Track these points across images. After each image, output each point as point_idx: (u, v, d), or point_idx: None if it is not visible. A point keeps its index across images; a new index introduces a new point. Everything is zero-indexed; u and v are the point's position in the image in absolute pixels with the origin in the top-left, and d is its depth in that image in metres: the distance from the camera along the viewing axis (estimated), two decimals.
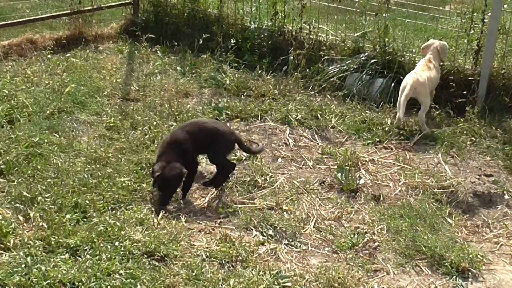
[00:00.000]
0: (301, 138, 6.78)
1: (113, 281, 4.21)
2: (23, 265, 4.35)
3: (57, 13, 9.78)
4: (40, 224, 4.81)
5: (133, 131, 6.55)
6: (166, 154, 5.49)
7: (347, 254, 4.92)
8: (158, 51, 8.85)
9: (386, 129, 6.91)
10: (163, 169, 5.33)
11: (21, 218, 4.91)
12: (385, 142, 6.73)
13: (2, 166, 5.58)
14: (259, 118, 7.12)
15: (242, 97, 7.60)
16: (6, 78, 7.63)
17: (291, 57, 8.19)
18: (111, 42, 9.53)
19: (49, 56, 8.54)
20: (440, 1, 10.72)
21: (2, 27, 9.12)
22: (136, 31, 9.28)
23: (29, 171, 5.56)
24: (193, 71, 8.30)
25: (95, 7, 9.63)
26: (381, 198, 5.70)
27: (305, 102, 7.45)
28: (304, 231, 5.18)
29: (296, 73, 7.93)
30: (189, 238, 4.93)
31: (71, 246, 4.60)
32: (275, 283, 4.41)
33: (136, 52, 8.96)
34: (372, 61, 7.83)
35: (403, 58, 7.78)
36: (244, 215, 5.29)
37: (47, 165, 5.69)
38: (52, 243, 4.62)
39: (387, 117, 7.12)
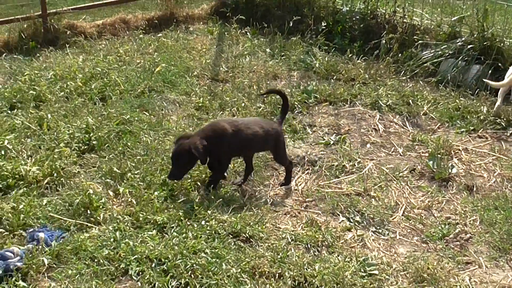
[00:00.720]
0: (391, 124, 6.61)
1: (198, 260, 4.22)
2: (112, 239, 4.43)
3: None
4: (129, 200, 4.89)
5: (221, 112, 6.56)
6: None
7: (437, 245, 4.75)
8: (248, 33, 8.84)
9: (482, 117, 6.64)
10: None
11: (111, 193, 5.00)
12: (480, 131, 6.47)
13: (94, 142, 5.71)
14: (348, 103, 6.98)
15: (332, 80, 7.48)
16: (99, 56, 7.80)
17: (383, 41, 7.99)
18: (201, 23, 9.58)
19: (141, 35, 8.69)
20: None
21: (96, 7, 9.34)
22: (226, 13, 9.31)
23: (120, 148, 5.66)
24: (282, 53, 8.23)
25: None
26: (474, 189, 5.48)
27: (396, 87, 7.25)
28: (393, 219, 5.04)
29: (388, 58, 7.73)
30: (274, 221, 4.89)
31: (159, 223, 4.65)
32: (361, 270, 4.31)
33: (226, 33, 8.97)
34: (469, 46, 7.52)
35: (502, 44, 7.44)
36: (330, 200, 5.20)
37: (137, 143, 5.78)
38: (140, 219, 4.69)
39: (483, 105, 6.84)
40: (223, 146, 5.12)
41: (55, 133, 5.79)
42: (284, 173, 5.49)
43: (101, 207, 4.79)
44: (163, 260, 4.24)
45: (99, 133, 5.79)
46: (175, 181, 5.12)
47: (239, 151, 5.36)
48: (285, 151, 5.53)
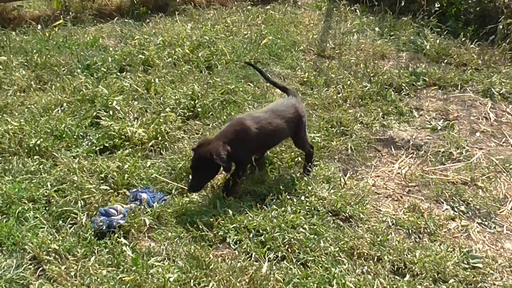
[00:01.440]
0: (504, 113, 6.31)
1: (296, 234, 4.18)
2: (211, 206, 4.45)
3: None
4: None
5: (326, 88, 6.45)
6: None
7: None
8: (357, 10, 8.67)
9: None
10: None
11: None
12: None
13: (198, 109, 5.74)
14: (459, 88, 6.71)
15: (442, 64, 7.23)
16: (207, 25, 7.84)
17: (501, 26, 7.62)
18: None
19: (249, 7, 8.68)
20: None
21: None
22: None
23: (223, 117, 5.68)
24: (392, 33, 8.02)
25: None
26: None
27: (511, 75, 6.91)
28: (500, 212, 4.81)
29: (504, 44, 7.38)
30: (375, 203, 4.77)
31: (258, 194, 4.64)
32: (464, 262, 4.14)
33: (334, 9, 8.83)
34: None
35: None
36: (435, 187, 5.02)
37: (240, 113, 5.77)
38: (241, 189, 4.68)
39: None
40: (246, 147, 4.64)
41: (161, 98, 5.87)
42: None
43: None
44: (261, 231, 4.23)
45: (204, 101, 5.82)
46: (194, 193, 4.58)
47: (261, 149, 4.97)
48: (306, 134, 5.08)
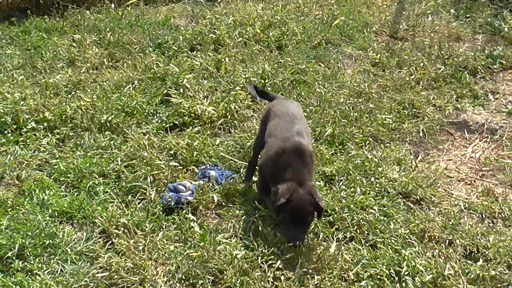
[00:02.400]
0: None
1: (366, 215, 4.12)
2: None
3: None
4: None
5: (399, 70, 6.32)
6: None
7: None
8: None
9: None
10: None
11: None
12: None
13: (269, 88, 5.71)
14: None
15: None
16: (278, 6, 7.79)
17: None
18: None
19: None
20: None
21: None
22: None
23: (293, 96, 5.63)
24: (468, 15, 7.78)
25: None
26: None
27: None
28: None
29: None
30: (447, 186, 4.65)
31: (327, 174, 4.58)
32: None
33: None
34: None
35: None
36: (510, 171, 4.85)
37: (311, 93, 5.72)
38: None
39: None
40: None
41: (231, 77, 5.86)
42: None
43: None
44: (329, 211, 4.17)
45: (274, 80, 5.79)
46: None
47: None
48: None
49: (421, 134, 5.34)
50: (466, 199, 4.51)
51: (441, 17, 7.76)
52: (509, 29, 7.23)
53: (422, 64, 6.39)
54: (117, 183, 4.41)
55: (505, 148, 5.23)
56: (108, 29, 6.90)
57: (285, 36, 6.83)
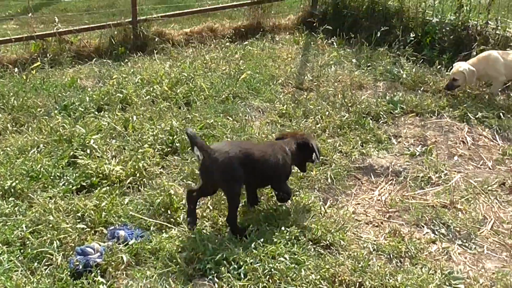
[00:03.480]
0: (481, 137, 6.34)
1: (277, 264, 4.14)
2: (190, 241, 4.41)
3: (238, 3, 10.00)
4: (209, 203, 4.86)
5: (305, 120, 6.48)
6: None
7: None
8: (334, 43, 8.75)
9: None
10: None
11: None
12: None
13: (177, 144, 5.74)
14: (436, 114, 6.76)
15: (419, 92, 7.29)
16: (186, 63, 7.89)
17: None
18: (287, 33, 9.57)
19: (227, 44, 8.76)
20: None
21: (184, 15, 9.49)
22: (313, 23, 9.27)
23: None
24: (369, 64, 8.09)
25: None
26: None
27: (486, 100, 6.98)
28: (480, 233, 4.81)
29: None
30: (356, 229, 4.76)
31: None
32: (447, 283, 4.12)
33: (312, 43, 8.92)
34: None
35: None
36: (415, 211, 5.02)
37: None
38: (219, 222, 4.66)
39: None
40: None
41: (139, 135, 5.86)
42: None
43: (181, 208, 4.79)
44: (241, 263, 4.18)
45: (182, 136, 5.82)
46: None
47: None
48: None
49: (329, 180, 5.46)
50: (374, 241, 4.62)
51: (344, 66, 8.04)
52: (407, 75, 7.56)
53: (327, 113, 6.57)
54: (22, 251, 4.29)
55: (409, 189, 5.41)
56: (11, 94, 6.78)
57: (193, 92, 6.91)
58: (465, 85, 7.05)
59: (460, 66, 6.97)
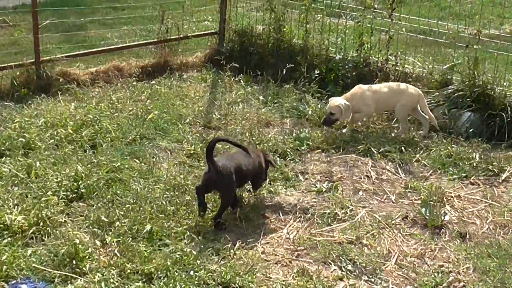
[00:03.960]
0: (384, 171, 6.56)
1: None
2: None
3: (144, 41, 9.99)
4: (116, 250, 4.79)
5: None
6: None
7: None
8: (241, 81, 8.86)
9: (474, 164, 6.60)
10: None
11: (98, 243, 4.90)
12: (472, 178, 6.44)
13: (82, 190, 5.64)
14: (341, 150, 6.95)
15: (324, 128, 7.46)
16: (91, 104, 7.78)
17: None
18: (195, 70, 9.62)
19: (134, 83, 8.70)
20: None
21: (90, 55, 9.37)
22: (220, 60, 9.36)
23: (109, 196, 5.59)
24: (275, 101, 8.24)
25: (181, 36, 9.74)
26: (467, 236, 5.41)
27: (389, 134, 7.22)
28: (385, 267, 4.94)
29: None
30: (265, 270, 4.79)
31: (146, 273, 4.56)
32: None
33: (219, 81, 9.00)
34: (460, 93, 7.55)
35: (493, 92, 7.46)
36: (322, 249, 5.11)
37: (127, 191, 5.71)
38: (127, 269, 4.59)
39: (475, 151, 6.81)
40: None
41: (43, 181, 5.71)
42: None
43: (87, 257, 4.68)
44: None
45: (88, 181, 5.73)
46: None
47: None
48: None
49: (238, 220, 5.49)
50: (283, 281, 4.67)
51: (251, 104, 8.15)
52: (312, 111, 7.74)
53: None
54: None
55: (316, 226, 5.51)
56: None
57: (99, 135, 6.81)
58: (342, 120, 7.24)
59: (336, 101, 7.22)
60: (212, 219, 5.35)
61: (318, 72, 8.64)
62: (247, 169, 5.55)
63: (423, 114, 7.34)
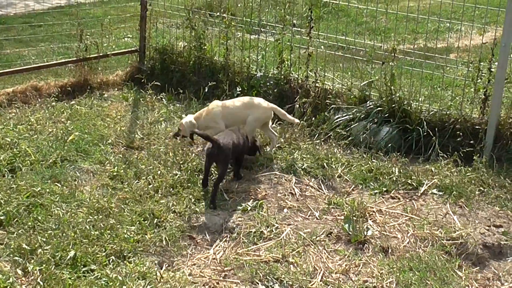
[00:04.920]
0: (307, 187, 6.67)
1: None
2: None
3: (63, 60, 9.82)
4: (39, 278, 4.67)
5: (137, 181, 6.45)
6: None
7: None
8: (164, 99, 8.82)
9: (394, 178, 6.80)
10: None
11: (19, 272, 4.79)
12: (393, 192, 6.62)
13: (1, 217, 5.49)
14: (265, 167, 7.02)
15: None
16: (9, 125, 7.58)
17: (297, 105, 8.13)
18: (116, 89, 9.50)
19: (53, 103, 8.51)
20: (444, 49, 10.70)
21: (7, 74, 9.12)
22: (142, 79, 9.29)
23: (30, 222, 5.46)
24: None
25: (101, 54, 9.62)
26: (390, 250, 5.56)
27: (311, 150, 7.36)
28: (311, 285, 5.02)
29: (302, 122, 7.84)
30: None
31: None
32: None
33: (141, 99, 8.93)
34: (378, 109, 7.77)
35: (409, 107, 7.71)
36: (249, 268, 5.15)
37: (48, 216, 5.59)
38: None
39: (394, 166, 7.01)
40: None
41: None
42: None
43: (8, 287, 4.56)
44: None
45: (7, 208, 5.58)
46: None
47: None
48: None
49: (164, 242, 5.46)
50: None
51: (174, 123, 8.12)
52: None
53: (159, 172, 6.59)
54: None
55: (243, 245, 5.55)
56: None
57: (17, 158, 6.64)
58: (185, 134, 7.38)
59: (184, 118, 7.52)
60: (212, 186, 6.27)
61: (240, 89, 8.70)
62: (239, 144, 6.57)
63: (272, 131, 7.50)
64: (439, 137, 7.33)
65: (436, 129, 7.43)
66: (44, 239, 5.17)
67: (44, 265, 4.83)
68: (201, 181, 6.47)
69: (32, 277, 4.72)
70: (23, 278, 4.73)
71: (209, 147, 6.36)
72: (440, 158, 7.15)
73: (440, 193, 6.58)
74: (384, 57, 8.19)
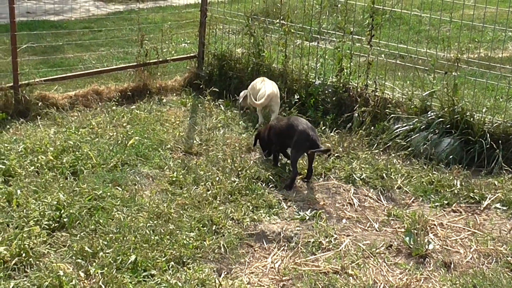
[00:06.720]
0: (366, 198, 6.59)
1: None
2: None
3: (123, 65, 9.95)
4: (101, 281, 4.72)
5: (196, 186, 6.47)
6: None
7: None
8: (221, 105, 8.85)
9: (455, 191, 6.65)
10: None
11: (82, 274, 4.84)
12: (454, 205, 6.48)
13: (65, 220, 5.57)
14: (323, 176, 6.96)
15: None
16: (71, 129, 7.71)
17: (356, 114, 8.05)
18: (174, 94, 9.58)
19: (113, 107, 8.63)
20: (507, 59, 10.45)
21: (69, 78, 9.29)
22: (200, 84, 9.34)
23: (92, 225, 5.53)
24: (256, 126, 8.23)
25: (160, 60, 9.72)
26: (452, 266, 5.43)
27: (369, 160, 7.27)
28: None
29: (360, 131, 7.77)
30: None
31: None
32: None
33: (199, 105, 8.98)
34: (440, 120, 7.62)
35: (472, 118, 7.54)
36: (308, 279, 5.10)
37: (110, 219, 5.65)
38: None
39: (455, 178, 6.86)
40: None
41: (24, 210, 5.64)
42: None
43: None
44: None
45: (70, 210, 5.66)
46: None
47: None
48: None
49: (222, 249, 5.46)
50: None
51: (232, 129, 8.14)
52: None
53: (217, 178, 6.60)
54: None
55: (301, 255, 5.50)
56: None
57: (79, 161, 6.74)
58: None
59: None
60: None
61: (298, 97, 8.67)
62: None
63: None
64: (503, 150, 7.16)
65: (500, 141, 7.24)
66: (106, 243, 5.23)
67: (105, 268, 4.88)
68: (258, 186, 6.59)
69: (94, 280, 4.77)
70: (85, 281, 4.78)
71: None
72: (504, 171, 6.98)
73: (504, 208, 6.41)
74: (447, 66, 8.03)
